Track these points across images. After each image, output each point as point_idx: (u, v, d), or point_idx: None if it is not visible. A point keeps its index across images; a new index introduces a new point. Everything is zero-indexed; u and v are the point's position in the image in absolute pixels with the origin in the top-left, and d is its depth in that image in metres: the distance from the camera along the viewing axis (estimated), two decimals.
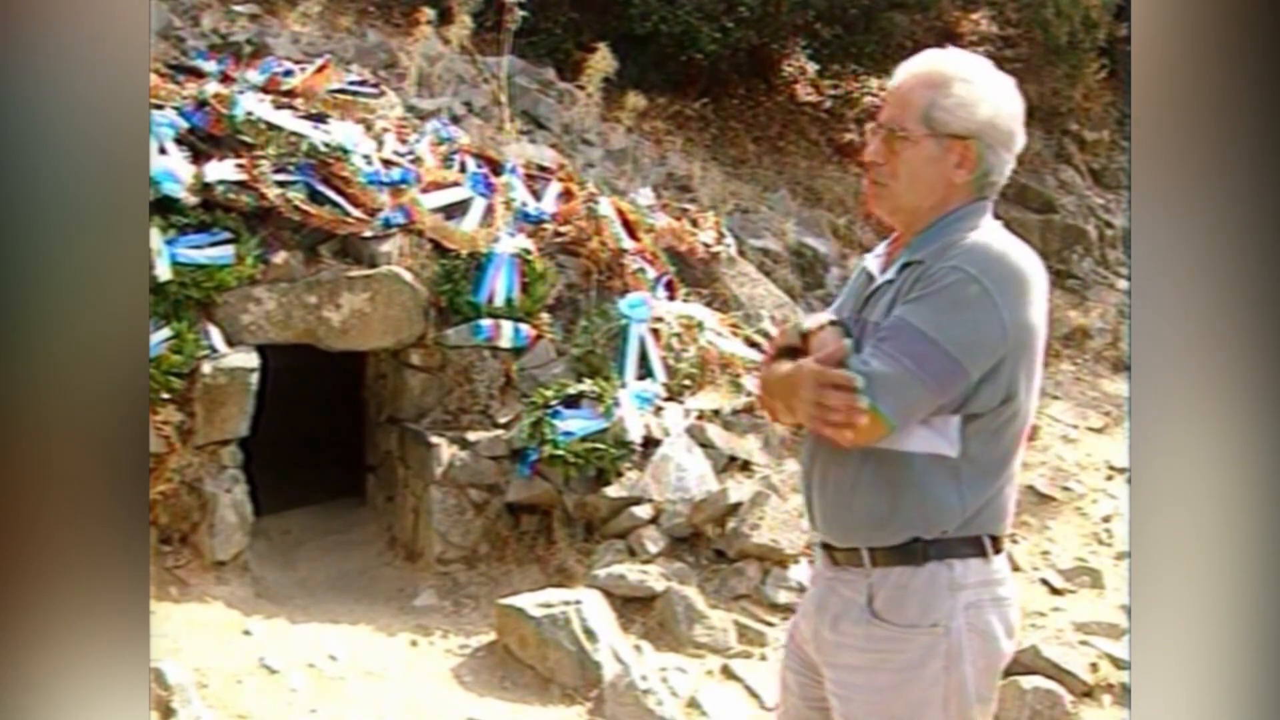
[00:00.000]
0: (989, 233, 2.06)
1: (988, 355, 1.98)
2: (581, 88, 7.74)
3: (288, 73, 6.15)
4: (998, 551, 2.11)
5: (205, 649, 4.30)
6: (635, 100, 7.89)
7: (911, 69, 2.12)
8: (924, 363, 1.95)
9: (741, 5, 8.62)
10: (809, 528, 2.27)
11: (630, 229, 6.23)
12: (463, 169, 6.17)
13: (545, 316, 5.79)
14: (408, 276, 5.57)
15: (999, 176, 2.11)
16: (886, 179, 2.12)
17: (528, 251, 5.79)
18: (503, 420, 5.52)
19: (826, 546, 2.20)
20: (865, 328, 2.12)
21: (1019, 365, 2.02)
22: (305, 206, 5.48)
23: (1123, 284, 8.65)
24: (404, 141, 6.15)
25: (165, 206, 5.19)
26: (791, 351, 2.17)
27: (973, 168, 2.07)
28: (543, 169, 6.54)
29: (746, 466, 5.40)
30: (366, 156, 5.76)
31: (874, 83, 10.07)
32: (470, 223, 5.83)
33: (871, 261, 2.24)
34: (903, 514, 2.06)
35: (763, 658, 4.50)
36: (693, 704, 4.17)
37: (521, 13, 7.57)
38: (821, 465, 2.17)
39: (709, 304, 6.28)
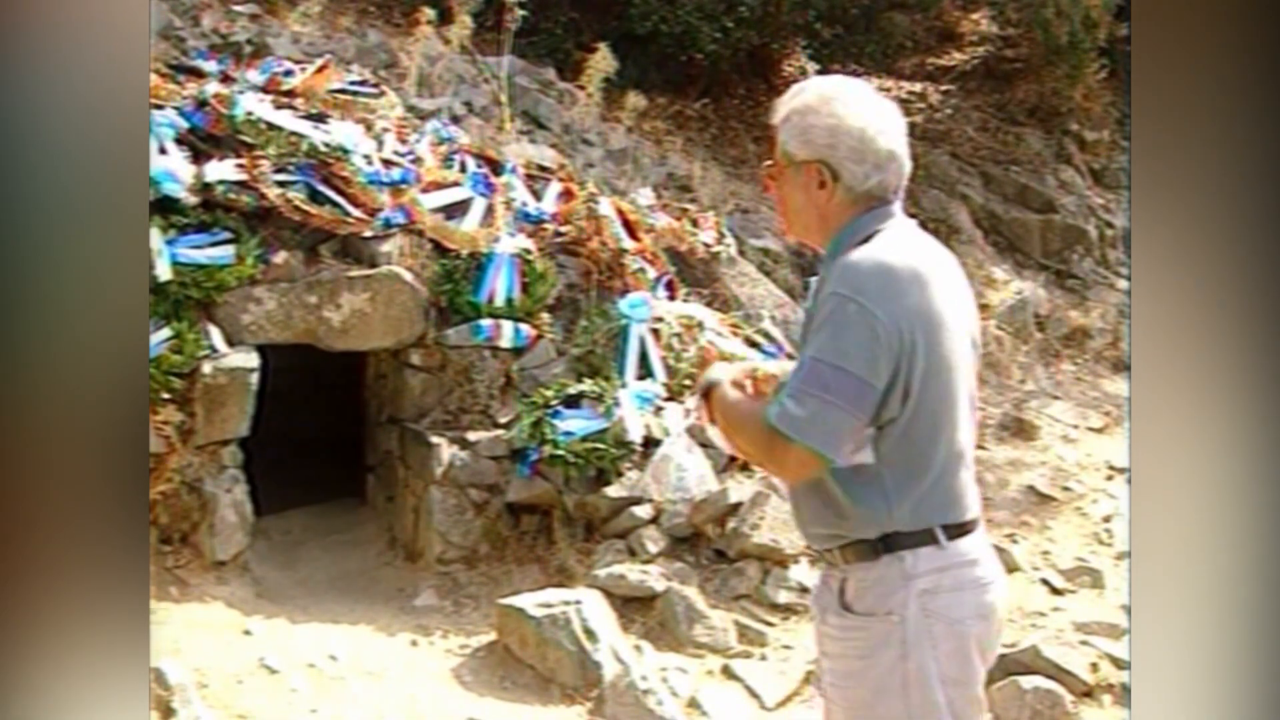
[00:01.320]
0: (868, 247, 2.16)
1: (887, 364, 2.08)
2: (581, 88, 7.74)
3: (288, 73, 6.15)
4: (956, 537, 2.20)
5: (205, 649, 4.29)
6: (635, 100, 7.88)
7: (776, 109, 2.32)
8: (836, 390, 2.06)
9: (741, 5, 8.61)
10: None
11: (630, 229, 6.23)
12: (463, 169, 6.17)
13: (545, 316, 5.78)
14: (408, 276, 5.57)
15: (868, 185, 2.21)
16: (780, 210, 2.36)
17: (528, 251, 5.79)
18: (503, 420, 5.52)
19: (816, 551, 2.39)
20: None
21: (914, 364, 2.11)
22: (305, 206, 5.47)
23: (1123, 284, 8.64)
24: (404, 141, 6.14)
25: (165, 206, 5.18)
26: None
27: (830, 186, 2.22)
28: (543, 169, 6.54)
29: (746, 466, 5.39)
30: (366, 156, 5.76)
31: (874, 83, 10.06)
32: (470, 223, 5.83)
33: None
34: (842, 521, 2.21)
35: (763, 658, 4.50)
36: (693, 704, 4.17)
37: (521, 12, 7.56)
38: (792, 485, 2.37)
39: (709, 304, 6.28)
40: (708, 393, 2.32)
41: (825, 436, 2.07)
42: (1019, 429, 6.77)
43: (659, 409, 5.49)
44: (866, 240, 2.18)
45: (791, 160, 2.25)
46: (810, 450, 2.07)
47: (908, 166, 2.27)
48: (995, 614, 2.24)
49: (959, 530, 2.21)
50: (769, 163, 2.32)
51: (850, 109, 2.22)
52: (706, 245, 6.59)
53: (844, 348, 2.07)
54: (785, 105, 2.28)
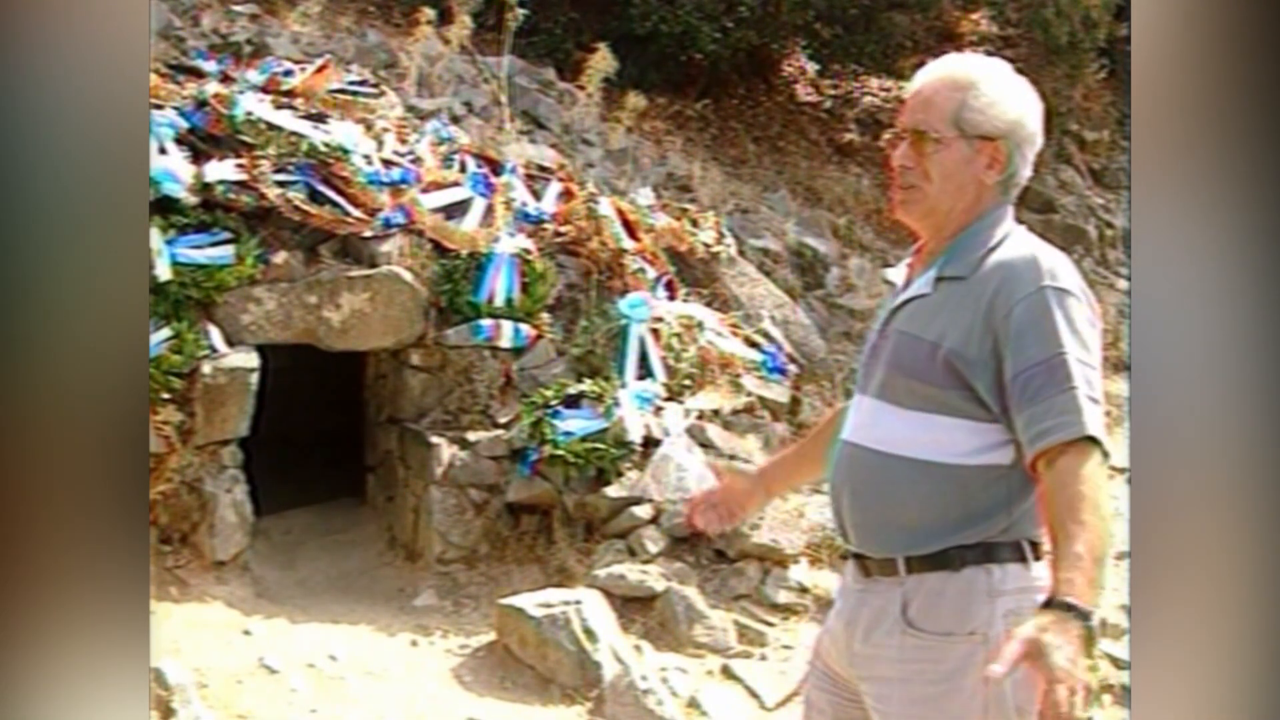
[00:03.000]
0: (1028, 242, 2.07)
1: (1099, 351, 2.00)
2: (581, 88, 7.73)
3: (288, 73, 6.15)
4: (1039, 558, 2.04)
5: (205, 649, 4.30)
6: (635, 100, 7.87)
7: (935, 72, 2.13)
8: (1096, 385, 1.95)
9: (741, 5, 8.61)
10: (840, 541, 2.22)
11: (630, 229, 6.23)
12: (463, 169, 6.17)
13: (545, 316, 5.78)
14: (408, 276, 5.57)
15: (1022, 178, 2.13)
16: (918, 182, 2.10)
17: (528, 251, 5.79)
18: (503, 420, 5.51)
19: (859, 558, 2.14)
20: (891, 339, 2.11)
21: None
22: (305, 206, 5.47)
23: (1123, 284, 8.64)
24: (404, 141, 6.14)
25: (165, 206, 5.18)
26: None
27: (1002, 169, 2.08)
28: (543, 169, 6.54)
29: None
30: (366, 156, 5.76)
31: (874, 83, 10.07)
32: (470, 223, 5.83)
33: (894, 274, 2.24)
34: (948, 523, 2.02)
35: (763, 658, 4.50)
36: (693, 704, 4.17)
37: (522, 12, 7.56)
38: (854, 478, 2.13)
39: (709, 304, 6.27)
40: (1084, 629, 1.80)
41: (1099, 428, 1.92)
42: None
43: (659, 409, 5.48)
44: (1004, 239, 2.06)
45: (967, 132, 2.06)
46: (1100, 445, 1.92)
47: None
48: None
49: (1039, 551, 2.04)
50: (929, 131, 2.07)
51: (1029, 93, 2.12)
52: (706, 245, 6.58)
53: (1085, 341, 1.96)
54: (969, 71, 2.10)
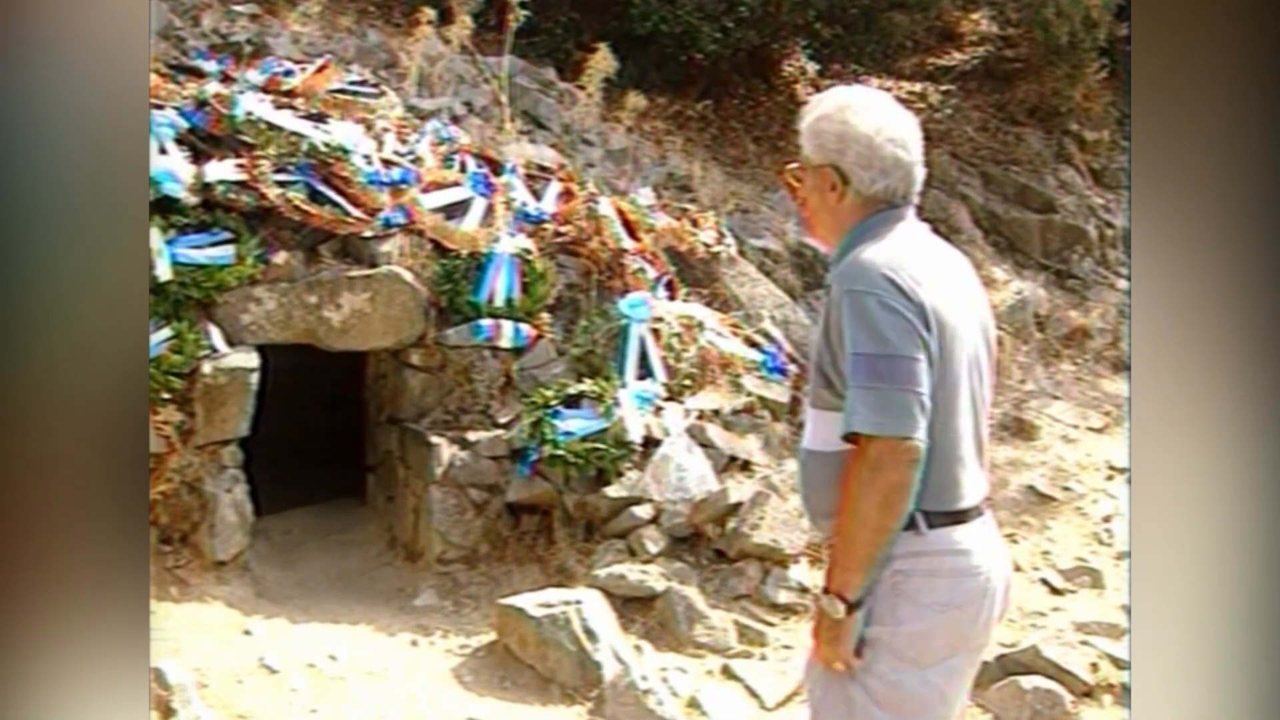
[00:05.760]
0: (874, 245, 2.25)
1: (921, 339, 2.16)
2: (581, 88, 7.73)
3: (288, 73, 6.15)
4: (942, 525, 2.25)
5: (205, 649, 4.30)
6: (635, 100, 7.87)
7: None
8: (888, 375, 2.14)
9: (741, 5, 8.60)
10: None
11: (630, 229, 6.23)
12: (463, 169, 6.17)
13: (545, 316, 5.78)
14: (408, 276, 5.57)
15: (875, 190, 2.31)
16: (804, 212, 2.48)
17: (528, 251, 5.79)
18: (503, 420, 5.52)
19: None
20: None
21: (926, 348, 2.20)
22: (305, 206, 5.47)
23: (1123, 284, 8.63)
24: (404, 141, 6.14)
25: (165, 206, 5.19)
26: None
27: (840, 189, 2.33)
28: (543, 169, 6.53)
29: (746, 466, 5.39)
30: (366, 156, 5.76)
31: (874, 83, 10.05)
32: (470, 223, 5.83)
33: None
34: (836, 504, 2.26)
35: (763, 658, 4.50)
36: (693, 704, 4.17)
37: (524, 12, 7.56)
38: (798, 477, 2.49)
39: (709, 304, 6.27)
40: (846, 603, 2.23)
41: (899, 421, 2.12)
42: (1019, 429, 6.77)
43: (659, 409, 5.48)
44: (873, 242, 2.27)
45: (809, 163, 2.38)
46: (893, 438, 2.12)
47: (918, 174, 2.37)
48: (972, 604, 2.28)
49: (948, 518, 2.26)
50: (794, 165, 2.44)
51: (860, 117, 2.32)
52: (706, 245, 6.58)
53: (879, 333, 2.14)
54: (807, 112, 2.39)
